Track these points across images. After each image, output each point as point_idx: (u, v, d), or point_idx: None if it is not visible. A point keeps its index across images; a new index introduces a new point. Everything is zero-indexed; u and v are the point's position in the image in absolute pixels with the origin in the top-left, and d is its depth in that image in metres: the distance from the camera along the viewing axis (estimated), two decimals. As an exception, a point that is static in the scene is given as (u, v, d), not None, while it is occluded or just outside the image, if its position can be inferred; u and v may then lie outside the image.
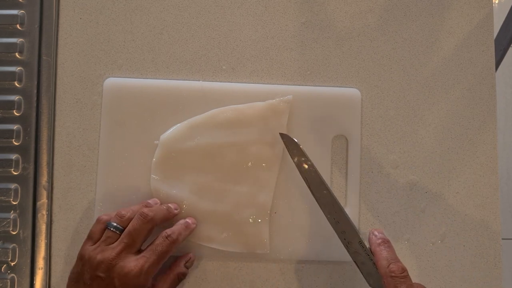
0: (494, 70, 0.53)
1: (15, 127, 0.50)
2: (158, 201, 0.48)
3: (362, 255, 0.44)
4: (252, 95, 0.50)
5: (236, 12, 0.53)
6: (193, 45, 0.52)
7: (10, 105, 0.50)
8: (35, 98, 0.51)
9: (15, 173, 0.50)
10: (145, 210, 0.44)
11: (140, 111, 0.50)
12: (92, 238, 0.44)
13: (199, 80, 0.51)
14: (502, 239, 0.52)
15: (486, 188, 0.52)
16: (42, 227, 0.49)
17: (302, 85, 0.52)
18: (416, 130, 0.52)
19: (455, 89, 0.53)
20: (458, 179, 0.52)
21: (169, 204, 0.47)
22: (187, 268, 0.47)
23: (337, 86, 0.52)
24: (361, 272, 0.44)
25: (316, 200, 0.45)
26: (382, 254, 0.42)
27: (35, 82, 0.51)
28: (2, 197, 0.49)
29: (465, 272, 0.51)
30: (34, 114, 0.50)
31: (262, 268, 0.50)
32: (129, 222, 0.43)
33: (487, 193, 0.52)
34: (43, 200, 0.49)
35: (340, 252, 0.48)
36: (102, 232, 0.44)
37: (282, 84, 0.52)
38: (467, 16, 0.54)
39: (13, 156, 0.50)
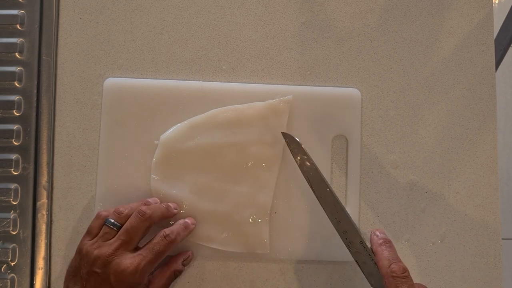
0: (494, 70, 0.53)
1: (15, 127, 0.50)
2: (158, 200, 0.48)
3: (364, 255, 0.44)
4: (252, 95, 0.50)
5: (236, 12, 0.53)
6: (193, 45, 0.52)
7: (10, 105, 0.50)
8: (35, 98, 0.51)
9: (15, 173, 0.50)
10: (143, 208, 0.44)
11: (140, 111, 0.50)
12: (90, 233, 0.44)
13: (199, 80, 0.51)
14: (502, 239, 0.52)
15: (486, 188, 0.52)
16: (42, 227, 0.49)
17: (302, 85, 0.52)
18: (416, 130, 0.52)
19: (455, 89, 0.53)
20: (458, 179, 0.52)
21: (169, 203, 0.47)
22: (184, 266, 0.47)
23: (337, 86, 0.52)
24: (363, 272, 0.44)
25: (318, 200, 0.45)
26: (384, 254, 0.42)
27: (35, 82, 0.51)
28: (2, 197, 0.49)
29: (465, 272, 0.51)
30: (34, 114, 0.50)
31: (262, 268, 0.50)
32: (127, 219, 0.44)
33: (487, 193, 0.52)
34: (43, 200, 0.49)
35: (340, 252, 0.48)
36: (100, 227, 0.44)
37: (282, 84, 0.52)
38: (467, 16, 0.54)
39: (13, 156, 0.50)
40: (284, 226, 0.49)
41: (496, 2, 1.35)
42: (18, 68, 0.51)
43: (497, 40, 0.89)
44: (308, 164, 0.46)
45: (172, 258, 0.47)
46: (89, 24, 0.52)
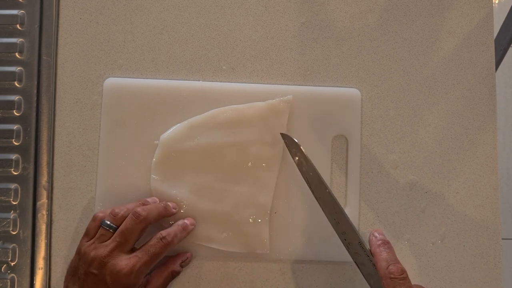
0: (494, 70, 0.53)
1: (15, 127, 0.50)
2: (157, 200, 0.48)
3: (362, 256, 0.44)
4: (252, 95, 0.50)
5: (236, 12, 0.53)
6: (193, 45, 0.52)
7: (10, 105, 0.50)
8: (35, 98, 0.51)
9: (15, 173, 0.50)
10: (139, 209, 0.44)
11: (140, 111, 0.50)
12: (88, 235, 0.44)
13: (199, 80, 0.51)
14: (502, 239, 0.52)
15: (486, 188, 0.52)
16: (42, 227, 0.49)
17: (302, 85, 0.52)
18: (416, 130, 0.52)
19: (455, 89, 0.53)
20: (458, 179, 0.52)
21: (168, 203, 0.47)
22: (182, 267, 0.47)
23: (337, 86, 0.52)
24: (362, 273, 0.44)
25: (317, 200, 0.45)
26: (382, 255, 0.42)
27: (35, 82, 0.51)
28: (2, 197, 0.49)
29: (465, 272, 0.51)
30: (34, 114, 0.50)
31: (262, 268, 0.50)
32: (123, 220, 0.44)
33: (487, 193, 0.52)
34: (43, 200, 0.49)
35: (340, 252, 0.48)
36: (97, 229, 0.44)
37: (282, 84, 0.52)
38: (467, 16, 0.54)
39: (13, 156, 0.50)
40: (284, 226, 0.49)
41: (496, 2, 1.35)
42: (18, 68, 0.51)
43: (497, 40, 0.89)
44: (307, 165, 0.46)
45: (171, 259, 0.47)
46: (89, 24, 0.52)
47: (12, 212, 0.49)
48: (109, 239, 0.43)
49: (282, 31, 0.53)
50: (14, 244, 0.49)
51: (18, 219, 0.49)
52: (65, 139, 0.50)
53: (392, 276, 0.40)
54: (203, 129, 0.49)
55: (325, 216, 0.45)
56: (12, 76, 0.51)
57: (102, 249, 0.42)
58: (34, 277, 0.49)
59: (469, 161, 0.52)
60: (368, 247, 0.44)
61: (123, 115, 0.50)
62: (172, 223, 0.47)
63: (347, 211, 0.50)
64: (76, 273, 0.43)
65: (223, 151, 0.49)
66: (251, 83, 0.52)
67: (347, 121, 0.51)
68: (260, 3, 0.53)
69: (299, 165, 0.46)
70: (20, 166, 0.50)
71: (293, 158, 0.46)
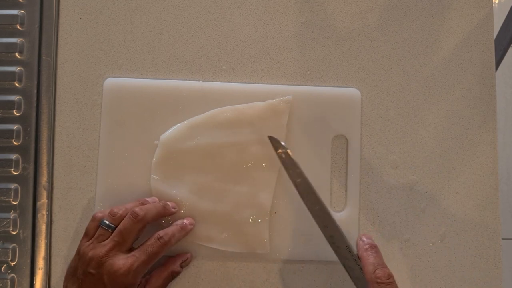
0: (494, 70, 0.53)
1: (15, 127, 0.50)
2: (157, 200, 0.48)
3: (350, 260, 0.44)
4: (252, 95, 0.50)
5: (236, 12, 0.53)
6: (193, 45, 0.52)
7: (10, 105, 0.50)
8: (35, 98, 0.51)
9: (15, 173, 0.50)
10: (137, 209, 0.44)
11: (140, 111, 0.50)
12: (87, 235, 0.44)
13: (199, 80, 0.51)
14: (502, 239, 0.52)
15: (486, 188, 0.52)
16: (42, 227, 0.49)
17: (302, 85, 0.52)
18: (416, 130, 0.52)
19: (455, 89, 0.53)
20: (458, 179, 0.52)
21: (168, 202, 0.47)
22: (182, 267, 0.47)
23: (337, 86, 0.52)
24: (350, 277, 0.44)
25: (305, 204, 0.45)
26: (369, 259, 0.42)
27: (35, 82, 0.51)
28: (2, 197, 0.49)
29: (465, 272, 0.51)
30: (34, 114, 0.50)
31: (262, 268, 0.50)
32: (122, 220, 0.44)
33: (487, 193, 0.52)
34: (43, 200, 0.49)
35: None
36: (96, 229, 0.44)
37: (282, 84, 0.52)
38: (467, 16, 0.54)
39: (13, 156, 0.50)
40: (284, 226, 0.49)
41: (496, 2, 1.35)
42: (18, 68, 0.51)
43: (497, 40, 0.89)
44: (294, 169, 0.45)
45: (170, 259, 0.47)
46: (89, 24, 0.52)
47: (12, 212, 0.49)
48: (107, 239, 0.43)
49: (282, 31, 0.53)
50: (14, 244, 0.49)
51: (18, 219, 0.49)
52: (65, 139, 0.50)
53: (378, 280, 0.40)
54: (203, 129, 0.49)
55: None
56: (12, 76, 0.51)
57: (100, 249, 0.42)
58: (34, 277, 0.49)
59: (469, 161, 0.52)
60: (356, 251, 0.44)
61: (123, 115, 0.50)
62: (172, 223, 0.47)
63: (347, 211, 0.50)
64: (75, 273, 0.43)
65: (223, 151, 0.49)
66: (251, 83, 0.52)
67: (347, 121, 0.51)
68: (260, 3, 0.53)
69: (286, 168, 0.46)
70: (20, 166, 0.50)
71: (281, 161, 0.46)
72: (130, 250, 0.43)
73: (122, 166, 0.49)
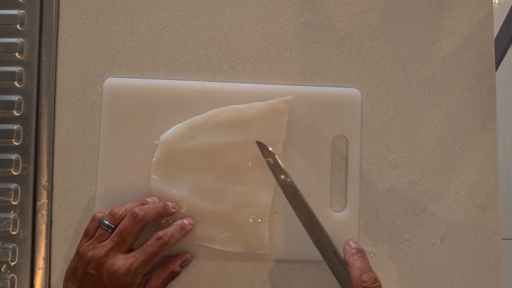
0: (494, 70, 0.53)
1: (15, 127, 0.50)
2: (157, 200, 0.48)
3: (337, 264, 0.44)
4: (252, 95, 0.50)
5: (236, 12, 0.53)
6: (193, 45, 0.52)
7: (10, 105, 0.50)
8: (35, 98, 0.51)
9: (15, 173, 0.50)
10: (136, 209, 0.44)
11: (140, 111, 0.50)
12: (87, 235, 0.44)
13: (199, 80, 0.51)
14: (502, 239, 0.52)
15: (486, 188, 0.52)
16: (42, 227, 0.49)
17: (302, 85, 0.52)
18: (416, 130, 0.52)
19: (455, 89, 0.53)
20: (458, 179, 0.52)
21: (167, 202, 0.47)
22: (182, 268, 0.47)
23: (337, 86, 0.52)
24: (338, 281, 0.44)
25: (293, 209, 0.45)
26: (355, 264, 0.42)
27: (35, 82, 0.51)
28: (2, 197, 0.49)
29: (465, 272, 0.51)
30: (34, 114, 0.50)
31: (262, 268, 0.50)
32: (121, 220, 0.44)
33: (487, 193, 0.52)
34: (43, 200, 0.49)
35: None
36: (96, 229, 0.44)
37: (282, 84, 0.52)
38: (467, 16, 0.54)
39: (13, 156, 0.50)
40: (284, 226, 0.49)
41: (496, 2, 1.35)
42: (18, 68, 0.51)
43: (497, 40, 0.89)
44: (282, 174, 0.45)
45: (170, 259, 0.47)
46: (89, 24, 0.52)
47: (12, 212, 0.49)
48: (107, 239, 0.43)
49: (282, 31, 0.53)
50: (14, 244, 0.49)
51: (18, 219, 0.49)
52: (65, 139, 0.50)
53: (364, 285, 0.40)
54: (203, 129, 0.49)
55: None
56: (12, 76, 0.51)
57: (100, 249, 0.42)
58: (34, 277, 0.49)
59: (469, 161, 0.52)
60: (343, 255, 0.44)
61: (123, 115, 0.50)
62: (172, 223, 0.47)
63: (347, 211, 0.50)
64: (75, 273, 0.43)
65: (223, 151, 0.49)
66: (251, 83, 0.52)
67: (347, 121, 0.51)
68: (260, 3, 0.53)
69: (274, 173, 0.46)
70: (20, 166, 0.50)
71: (269, 166, 0.46)
72: (130, 250, 0.43)
73: (122, 166, 0.49)
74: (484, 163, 0.52)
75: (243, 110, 0.49)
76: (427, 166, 0.52)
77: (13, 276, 0.49)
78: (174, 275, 0.46)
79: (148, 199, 0.47)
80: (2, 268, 0.49)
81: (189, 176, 0.49)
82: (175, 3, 0.53)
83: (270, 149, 0.46)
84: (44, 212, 0.49)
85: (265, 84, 0.52)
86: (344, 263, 0.43)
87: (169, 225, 0.47)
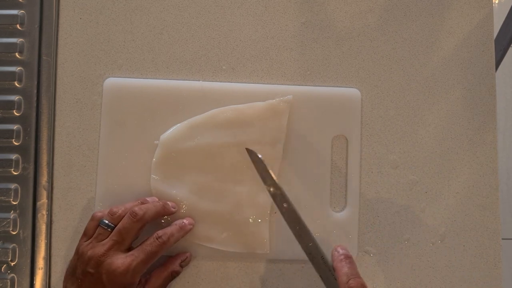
0: (494, 70, 0.53)
1: (15, 127, 0.50)
2: (157, 199, 0.48)
3: (325, 270, 0.44)
4: (252, 95, 0.50)
5: (236, 12, 0.53)
6: (193, 45, 0.52)
7: (10, 105, 0.50)
8: (35, 98, 0.51)
9: (15, 173, 0.50)
10: (136, 209, 0.44)
11: (140, 111, 0.50)
12: (86, 234, 0.44)
13: (199, 80, 0.51)
14: (502, 239, 0.52)
15: (486, 188, 0.52)
16: (42, 227, 0.49)
17: (302, 85, 0.52)
18: (416, 130, 0.52)
19: (455, 89, 0.53)
20: (458, 179, 0.52)
21: (167, 202, 0.47)
22: (182, 267, 0.47)
23: (337, 86, 0.52)
24: (326, 287, 0.44)
25: (281, 214, 0.45)
26: (343, 269, 0.42)
27: (35, 82, 0.51)
28: (2, 197, 0.49)
29: (465, 272, 0.51)
30: (34, 114, 0.50)
31: (262, 268, 0.50)
32: (121, 219, 0.44)
33: (487, 193, 0.52)
34: (43, 200, 0.49)
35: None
36: (95, 228, 0.44)
37: (282, 84, 0.52)
38: (467, 16, 0.54)
39: (13, 156, 0.50)
40: (284, 226, 0.49)
41: (496, 2, 1.35)
42: (18, 68, 0.51)
43: (497, 40, 0.89)
44: (270, 180, 0.45)
45: (170, 259, 0.47)
46: (89, 24, 0.52)
47: (12, 212, 0.49)
48: (106, 238, 0.43)
49: (282, 31, 0.53)
50: (14, 244, 0.49)
51: (18, 219, 0.49)
52: (65, 139, 0.50)
53: None
54: (203, 129, 0.49)
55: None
56: (12, 76, 0.51)
57: (99, 248, 0.42)
58: (34, 277, 0.49)
59: (469, 161, 0.52)
60: (331, 262, 0.44)
61: (123, 115, 0.50)
62: (172, 223, 0.47)
63: (347, 211, 0.50)
64: (74, 272, 0.43)
65: (223, 151, 0.49)
66: (251, 83, 0.52)
67: (347, 121, 0.51)
68: (260, 3, 0.53)
69: (263, 179, 0.45)
70: (20, 166, 0.50)
71: (259, 172, 0.46)
72: (129, 249, 0.43)
73: (122, 166, 0.49)
74: (484, 163, 0.52)
75: (243, 110, 0.49)
76: (427, 166, 0.52)
77: (13, 276, 0.49)
78: (174, 275, 0.46)
79: (148, 199, 0.47)
80: (2, 268, 0.49)
81: (189, 176, 0.49)
82: (175, 3, 0.53)
83: (259, 156, 0.46)
84: (44, 212, 0.49)
85: (265, 84, 0.52)
86: (332, 269, 0.43)
87: (169, 225, 0.47)
